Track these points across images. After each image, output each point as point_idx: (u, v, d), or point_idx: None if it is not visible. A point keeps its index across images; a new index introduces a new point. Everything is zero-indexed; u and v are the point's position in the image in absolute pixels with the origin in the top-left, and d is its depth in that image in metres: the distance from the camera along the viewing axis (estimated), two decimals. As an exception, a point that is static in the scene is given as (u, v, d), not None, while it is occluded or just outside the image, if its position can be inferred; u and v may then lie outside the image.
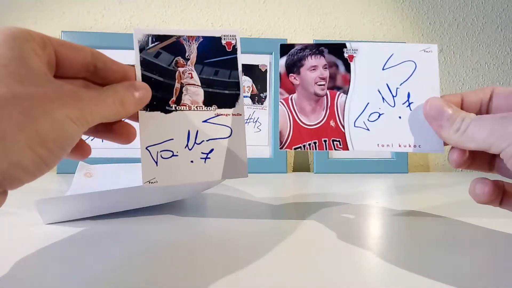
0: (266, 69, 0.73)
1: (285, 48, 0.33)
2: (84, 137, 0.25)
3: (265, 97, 0.73)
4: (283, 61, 0.32)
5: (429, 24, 0.84)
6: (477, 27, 0.85)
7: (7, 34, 0.19)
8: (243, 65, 0.31)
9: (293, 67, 0.32)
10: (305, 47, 0.32)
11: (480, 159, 0.29)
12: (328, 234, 0.30)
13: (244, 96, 0.69)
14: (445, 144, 0.30)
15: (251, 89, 0.73)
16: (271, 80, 0.73)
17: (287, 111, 0.32)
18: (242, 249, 0.27)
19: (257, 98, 0.73)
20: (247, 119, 0.72)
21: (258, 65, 0.73)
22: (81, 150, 0.26)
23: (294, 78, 0.32)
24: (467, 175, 0.74)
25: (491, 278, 0.22)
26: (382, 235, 0.31)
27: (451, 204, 0.42)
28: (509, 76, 0.86)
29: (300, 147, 0.32)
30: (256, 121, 0.73)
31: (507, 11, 0.86)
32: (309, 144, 0.32)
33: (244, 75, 0.72)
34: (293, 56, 0.32)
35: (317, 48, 0.32)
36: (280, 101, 0.32)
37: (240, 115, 0.30)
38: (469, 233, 0.31)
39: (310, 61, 0.32)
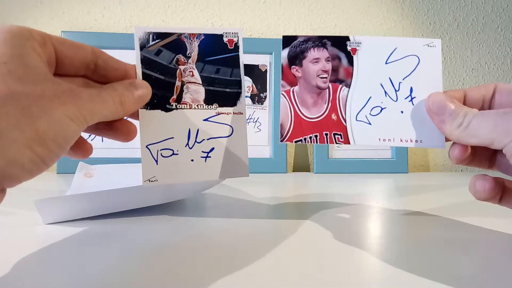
0: (266, 69, 0.73)
1: (287, 40, 0.32)
2: (84, 135, 0.25)
3: (265, 97, 0.73)
4: (285, 53, 0.32)
5: (429, 24, 0.84)
6: (477, 27, 0.85)
7: (7, 32, 0.19)
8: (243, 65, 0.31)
9: (296, 59, 0.32)
10: (308, 39, 0.32)
11: (481, 156, 0.29)
12: (328, 234, 0.30)
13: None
14: (447, 139, 0.30)
15: (251, 89, 0.73)
16: (271, 80, 0.73)
17: (289, 104, 0.32)
18: (242, 249, 0.26)
19: (257, 98, 0.73)
20: (247, 119, 0.72)
21: (258, 65, 0.73)
22: (83, 149, 0.25)
23: (296, 70, 0.32)
24: (467, 175, 0.73)
25: (491, 278, 0.22)
26: (382, 235, 0.31)
27: (451, 204, 0.42)
28: (509, 76, 0.86)
29: (301, 140, 0.31)
30: (256, 121, 0.73)
31: (507, 11, 0.86)
32: (310, 137, 0.31)
33: (244, 75, 0.72)
34: (296, 48, 0.32)
35: (320, 41, 0.32)
36: (282, 93, 0.32)
37: (242, 113, 0.30)
38: (469, 233, 0.31)
39: (313, 53, 0.32)
